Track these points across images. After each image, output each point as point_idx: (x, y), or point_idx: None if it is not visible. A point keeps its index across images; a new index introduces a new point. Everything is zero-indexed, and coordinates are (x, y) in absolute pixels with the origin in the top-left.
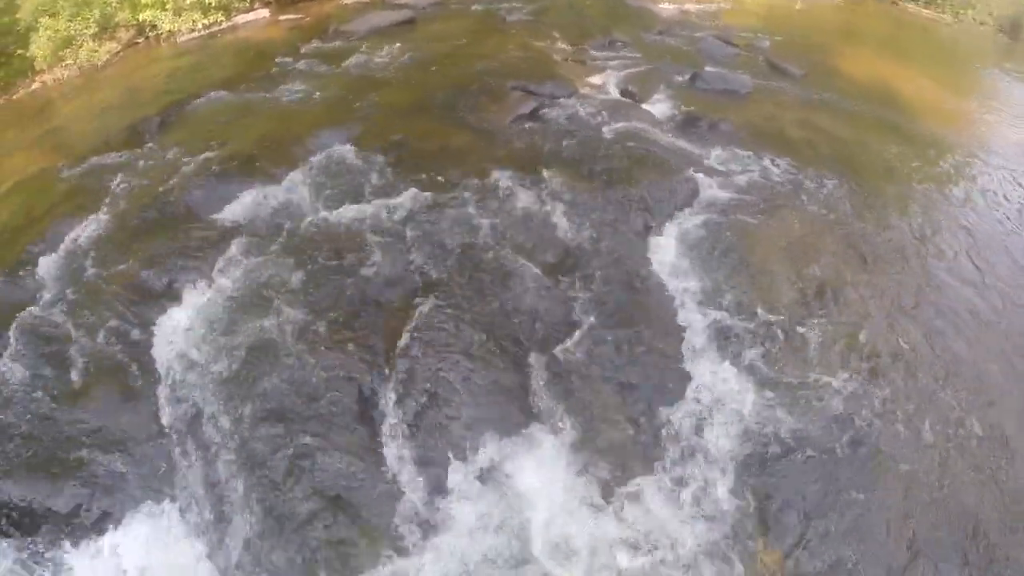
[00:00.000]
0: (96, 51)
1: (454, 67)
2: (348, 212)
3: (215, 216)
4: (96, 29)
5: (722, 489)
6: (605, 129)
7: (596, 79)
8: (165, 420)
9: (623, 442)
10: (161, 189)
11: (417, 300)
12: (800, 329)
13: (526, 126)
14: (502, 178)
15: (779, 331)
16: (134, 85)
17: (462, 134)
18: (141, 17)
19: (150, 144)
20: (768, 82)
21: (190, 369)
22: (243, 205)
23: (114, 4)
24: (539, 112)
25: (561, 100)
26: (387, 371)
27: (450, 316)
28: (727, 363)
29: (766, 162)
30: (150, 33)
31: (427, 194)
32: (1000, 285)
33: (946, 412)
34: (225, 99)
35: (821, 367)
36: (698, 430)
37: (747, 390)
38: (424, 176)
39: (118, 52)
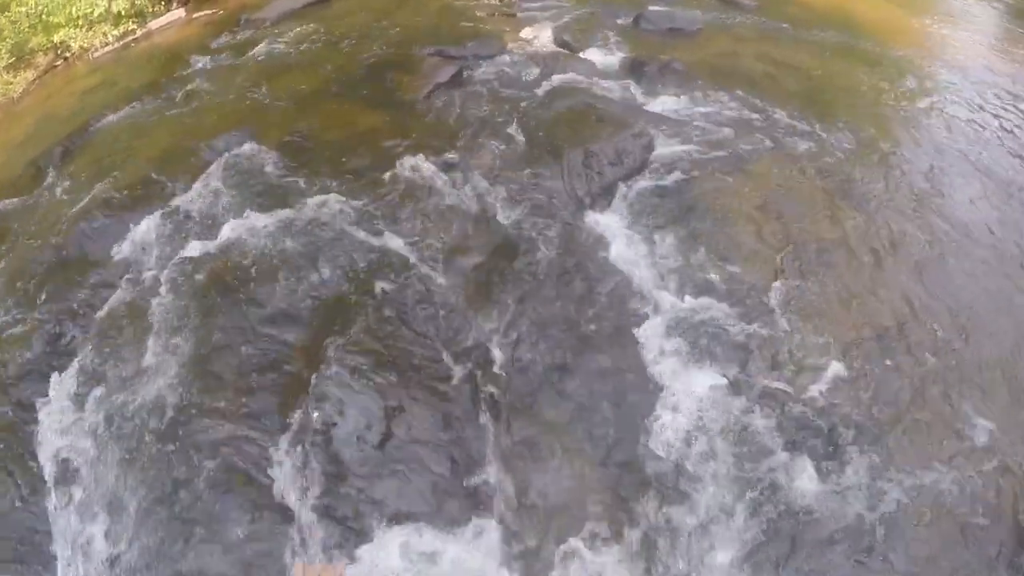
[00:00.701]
0: (11, 83)
1: (366, 42)
2: (245, 228)
3: (106, 257)
4: (10, 59)
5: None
6: (538, 87)
7: (527, 32)
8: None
9: (581, 500)
10: (53, 235)
11: (325, 340)
12: (785, 321)
13: (444, 97)
14: (417, 163)
15: (762, 323)
16: (49, 112)
17: (372, 115)
18: (56, 39)
19: (50, 179)
20: (719, 15)
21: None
22: (136, 239)
23: (26, 30)
24: (461, 78)
25: (486, 61)
26: (288, 444)
27: (363, 358)
28: (702, 375)
29: (727, 105)
30: (67, 54)
31: (331, 196)
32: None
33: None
34: (132, 114)
35: (810, 370)
36: (675, 475)
37: (730, 409)
38: (329, 171)
39: (35, 80)
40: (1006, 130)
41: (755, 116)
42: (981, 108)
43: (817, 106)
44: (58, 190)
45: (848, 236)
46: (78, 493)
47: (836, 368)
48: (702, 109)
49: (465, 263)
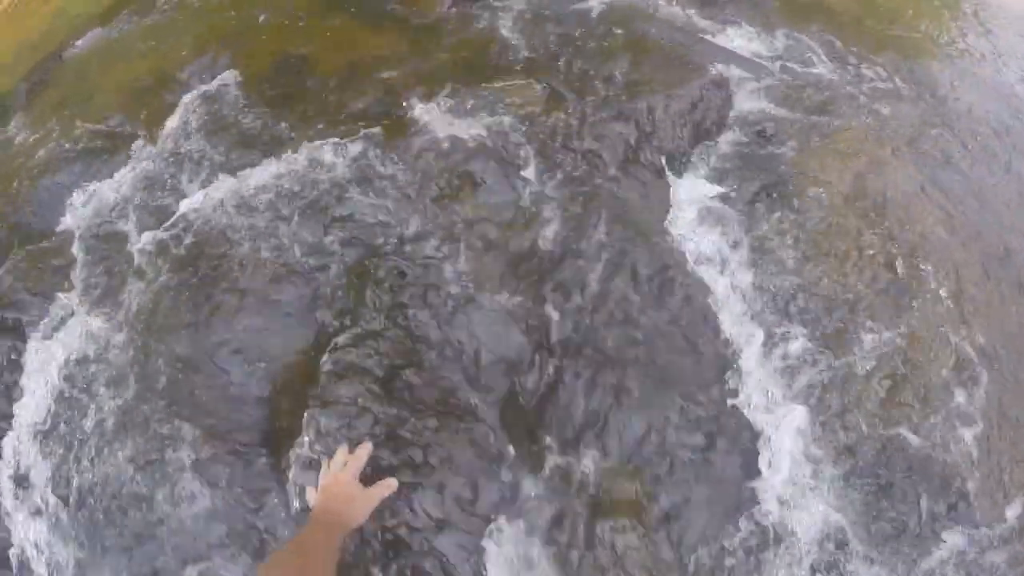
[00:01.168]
0: None
1: None
2: (219, 195)
3: (60, 224)
4: None
5: None
6: (588, 5)
7: None
8: None
9: None
10: (14, 190)
11: (322, 357)
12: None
13: (470, 15)
14: (436, 110)
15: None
16: (23, 38)
17: (379, 37)
18: None
19: (15, 121)
20: None
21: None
22: (95, 201)
23: None
24: None
25: None
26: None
27: (369, 375)
28: (811, 425)
29: (808, 45)
30: None
31: (327, 152)
32: None
33: None
34: (105, 36)
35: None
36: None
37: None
38: (326, 117)
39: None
40: None
41: (841, 61)
42: None
43: (911, 54)
44: (25, 134)
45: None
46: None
47: None
48: (780, 48)
49: (501, 258)
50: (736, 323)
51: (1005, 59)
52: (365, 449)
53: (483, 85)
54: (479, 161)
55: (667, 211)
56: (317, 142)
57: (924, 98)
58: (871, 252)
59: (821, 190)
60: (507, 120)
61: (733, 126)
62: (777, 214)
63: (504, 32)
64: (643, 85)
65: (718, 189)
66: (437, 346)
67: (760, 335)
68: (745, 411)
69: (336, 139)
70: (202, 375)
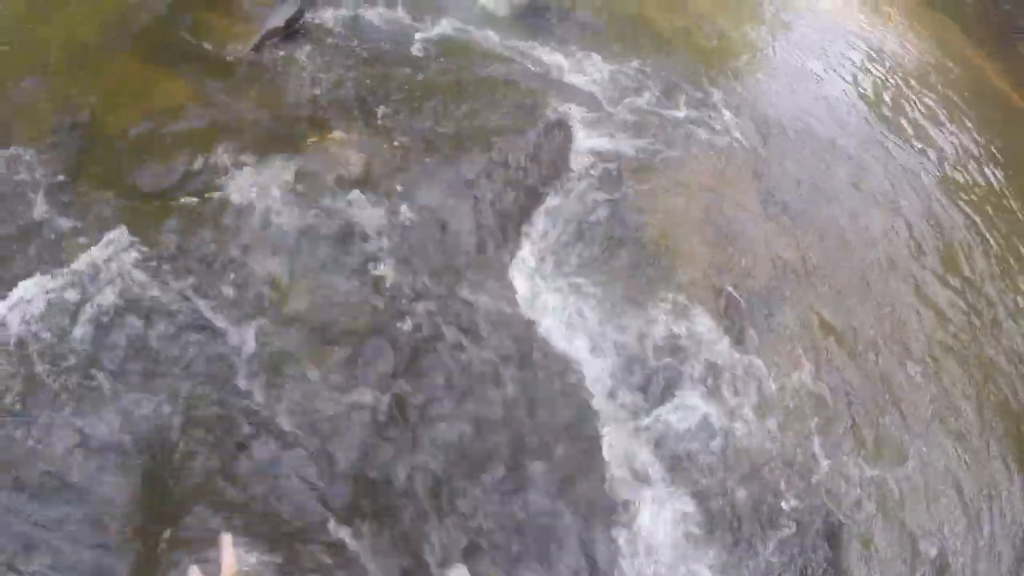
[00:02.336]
0: None
1: None
2: None
3: None
4: None
5: None
6: (413, 40)
7: None
8: None
9: None
10: None
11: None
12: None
13: (280, 54)
14: (244, 173)
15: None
16: None
17: (177, 83)
18: None
19: None
20: None
21: None
22: None
23: None
24: (301, 21)
25: None
26: None
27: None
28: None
29: (642, 71)
30: None
31: (120, 240)
32: None
33: None
34: None
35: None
36: None
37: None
38: (116, 191)
39: None
40: None
41: (677, 86)
42: None
43: (735, 72)
44: None
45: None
46: None
47: None
48: (617, 77)
49: (322, 353)
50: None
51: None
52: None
53: (299, 140)
54: (299, 235)
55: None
56: (106, 243)
57: (749, 115)
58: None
59: (664, 232)
60: (327, 193)
61: (573, 171)
62: (628, 264)
63: (319, 75)
64: (475, 135)
65: (559, 245)
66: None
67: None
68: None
69: (129, 234)
70: None
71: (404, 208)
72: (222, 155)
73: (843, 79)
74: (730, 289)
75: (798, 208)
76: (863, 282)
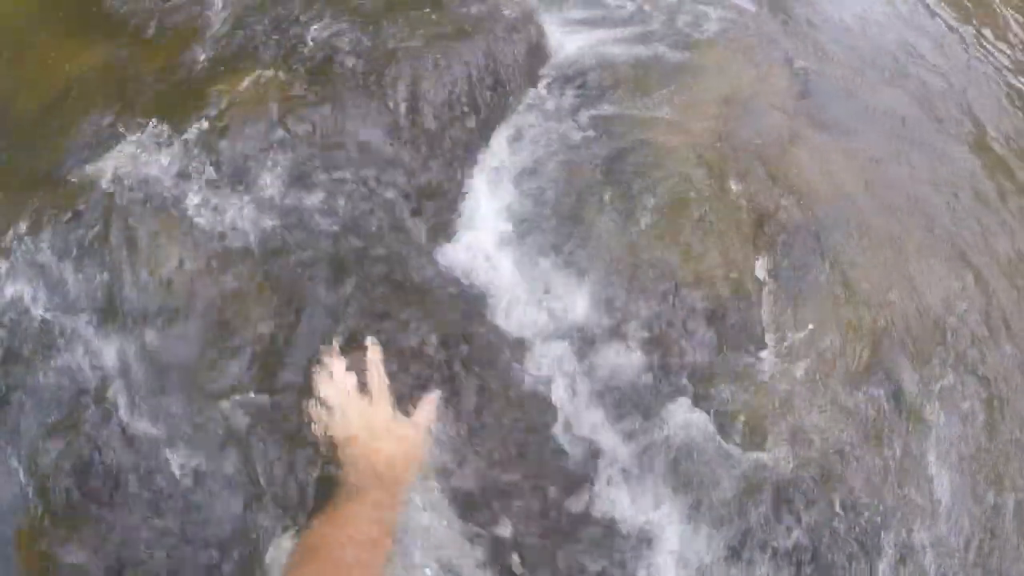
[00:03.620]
0: None
1: None
2: None
3: None
4: None
5: None
6: None
7: None
8: None
9: None
10: None
11: None
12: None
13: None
14: (146, 156)
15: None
16: None
17: (90, 52)
18: None
19: None
20: None
21: None
22: None
23: None
24: None
25: None
26: None
27: None
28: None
29: None
30: None
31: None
32: None
33: None
34: None
35: None
36: None
37: None
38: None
39: None
40: None
41: None
42: None
43: None
44: None
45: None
46: None
47: None
48: None
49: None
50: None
51: None
52: (376, 350)
53: (211, 106)
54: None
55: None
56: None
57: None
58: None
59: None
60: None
61: (549, 87)
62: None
63: (229, 11)
64: (412, 53)
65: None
66: None
67: None
68: None
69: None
70: None
71: (318, 164)
72: (124, 126)
73: None
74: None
75: (850, 128)
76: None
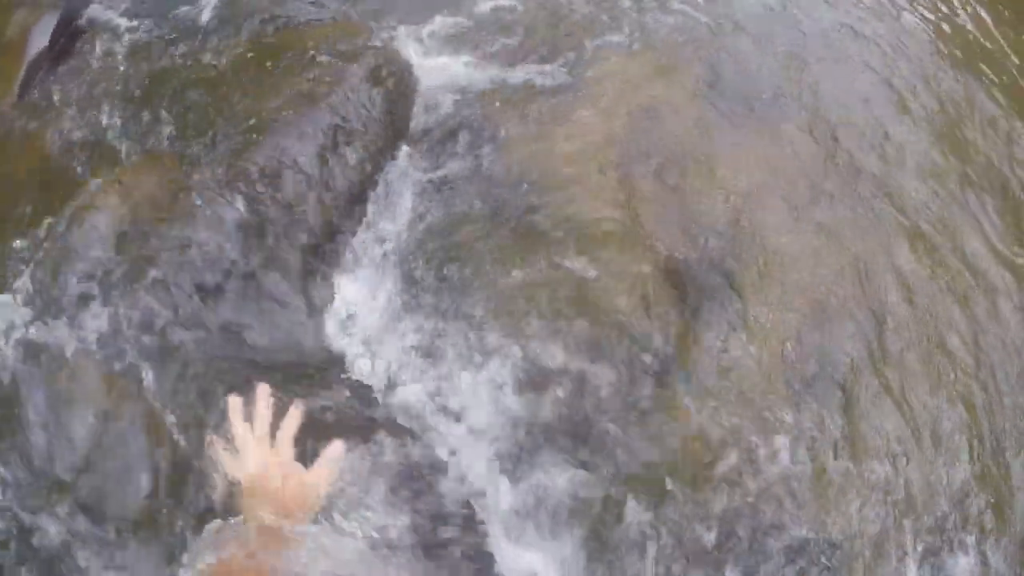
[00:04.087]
0: None
1: None
2: None
3: None
4: None
5: None
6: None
7: None
8: None
9: None
10: None
11: None
12: None
13: (56, 94)
14: None
15: None
16: None
17: None
18: None
19: None
20: None
21: None
22: None
23: None
24: (82, 36)
25: None
26: None
27: None
28: None
29: None
30: None
31: None
32: None
33: None
34: None
35: None
36: None
37: None
38: None
39: None
40: None
41: None
42: None
43: None
44: None
45: None
46: None
47: None
48: None
49: None
50: None
51: None
52: (298, 410)
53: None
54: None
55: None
56: None
57: None
58: None
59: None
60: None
61: (418, 129)
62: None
63: (91, 103)
64: (265, 127)
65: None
66: None
67: None
68: None
69: None
70: None
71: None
72: None
73: None
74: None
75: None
76: None
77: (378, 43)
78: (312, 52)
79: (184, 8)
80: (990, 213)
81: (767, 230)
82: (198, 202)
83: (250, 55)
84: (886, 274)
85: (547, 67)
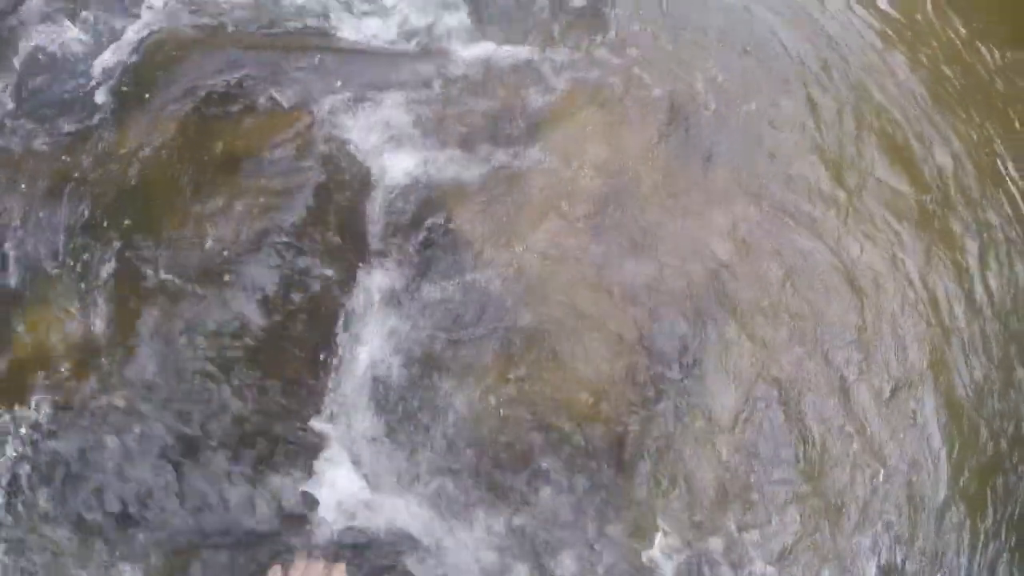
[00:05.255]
0: None
1: None
2: None
3: None
4: None
5: None
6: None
7: None
8: None
9: None
10: None
11: None
12: None
13: None
14: None
15: None
16: None
17: None
18: None
19: None
20: None
21: None
22: None
23: None
24: None
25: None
26: None
27: None
28: None
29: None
30: None
31: None
32: None
33: None
34: None
35: None
36: None
37: None
38: None
39: None
40: None
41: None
42: None
43: None
44: None
45: None
46: None
47: None
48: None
49: None
50: None
51: None
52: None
53: None
54: None
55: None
56: None
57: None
58: None
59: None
60: None
61: (378, 239)
62: None
63: None
64: (211, 253)
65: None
66: None
67: None
68: None
69: None
70: None
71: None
72: None
73: None
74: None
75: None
76: None
77: (323, 142)
78: (256, 153)
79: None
80: None
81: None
82: None
83: (175, 153)
84: None
85: (506, 148)
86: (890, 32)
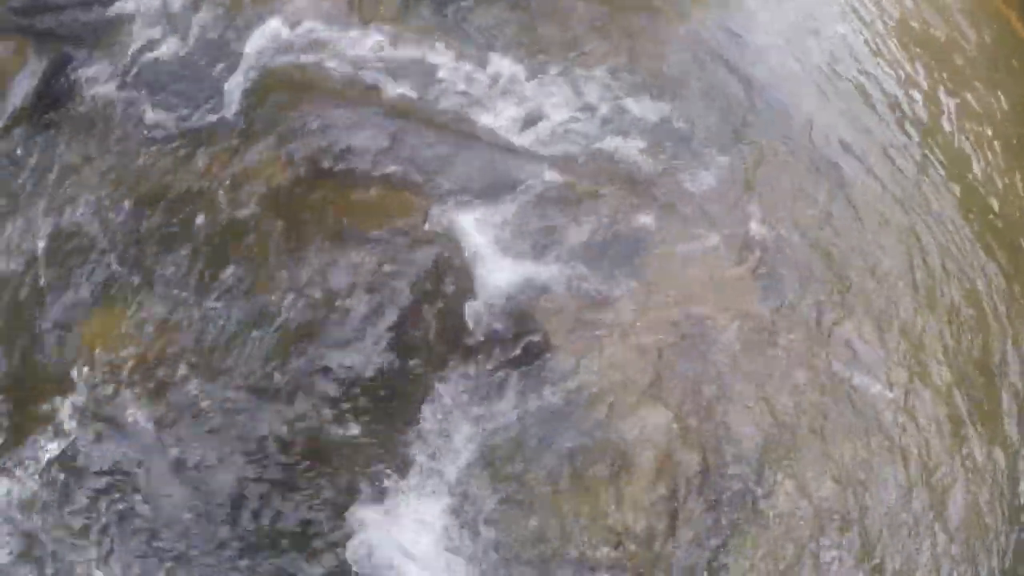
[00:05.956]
0: None
1: None
2: None
3: None
4: None
5: None
6: (230, 79)
7: None
8: None
9: None
10: None
11: None
12: None
13: (34, 150)
14: None
15: None
16: None
17: None
18: None
19: None
20: None
21: None
22: None
23: None
24: (64, 83)
25: (112, 29)
26: None
27: None
28: None
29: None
30: None
31: None
32: None
33: None
34: None
35: None
36: None
37: None
38: None
39: None
40: None
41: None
42: None
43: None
44: None
45: None
46: None
47: None
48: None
49: None
50: None
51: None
52: None
53: None
54: None
55: None
56: None
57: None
58: None
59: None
60: None
61: (476, 341)
62: None
63: (86, 176)
64: (303, 327)
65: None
66: None
67: None
68: None
69: None
70: None
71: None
72: None
73: None
74: None
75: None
76: None
77: (435, 233)
78: (365, 228)
79: (208, 99)
80: None
81: None
82: None
83: (282, 200)
84: None
85: (606, 269)
86: None
